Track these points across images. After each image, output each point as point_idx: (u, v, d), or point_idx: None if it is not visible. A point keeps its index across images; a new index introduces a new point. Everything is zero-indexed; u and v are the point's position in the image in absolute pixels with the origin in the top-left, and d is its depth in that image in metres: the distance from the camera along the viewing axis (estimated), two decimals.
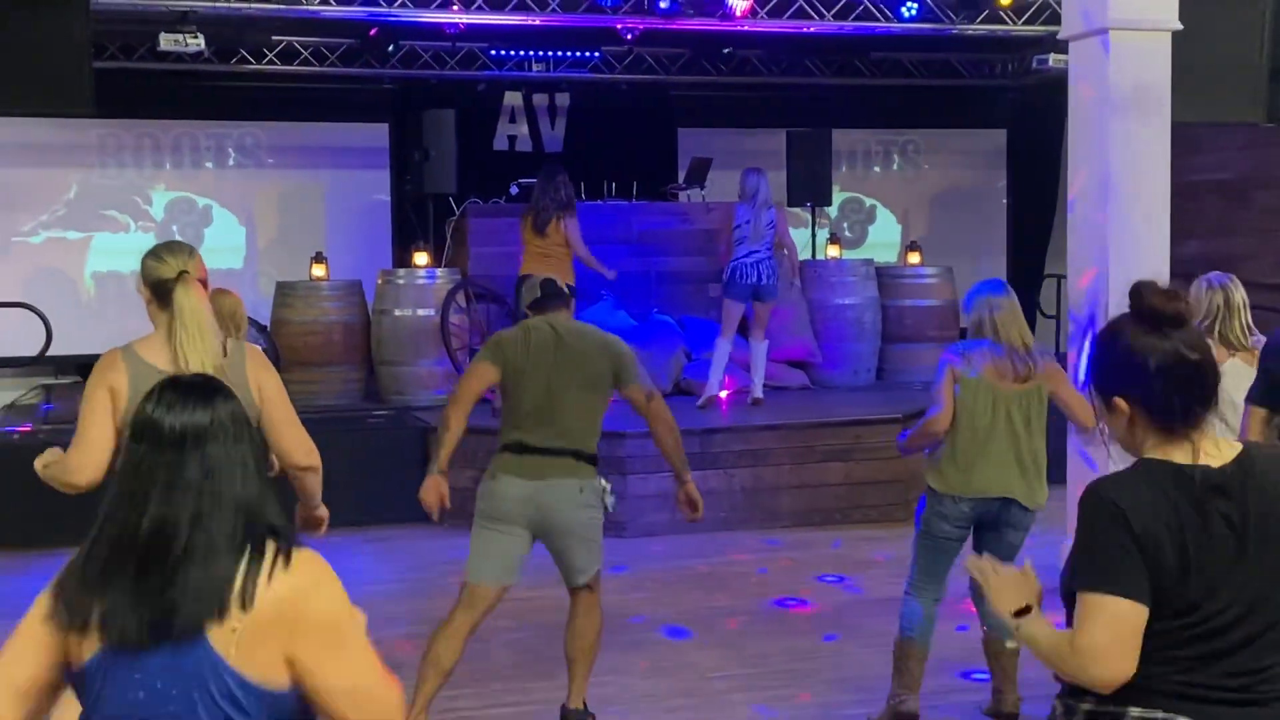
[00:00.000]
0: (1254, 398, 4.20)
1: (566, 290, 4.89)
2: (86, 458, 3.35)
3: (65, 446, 3.60)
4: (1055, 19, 8.60)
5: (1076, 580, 2.25)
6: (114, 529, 2.04)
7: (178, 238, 11.66)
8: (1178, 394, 2.27)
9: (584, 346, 4.63)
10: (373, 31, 10.34)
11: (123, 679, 2.00)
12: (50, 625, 2.05)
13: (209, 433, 2.05)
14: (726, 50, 11.48)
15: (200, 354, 3.37)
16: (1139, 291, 2.33)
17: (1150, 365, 2.26)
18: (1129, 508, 2.21)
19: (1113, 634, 2.19)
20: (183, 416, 2.04)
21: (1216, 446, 2.30)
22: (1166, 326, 2.28)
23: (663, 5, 9.56)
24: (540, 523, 4.57)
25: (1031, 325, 11.73)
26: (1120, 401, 2.30)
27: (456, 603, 4.60)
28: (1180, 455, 2.27)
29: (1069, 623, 2.29)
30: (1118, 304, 2.44)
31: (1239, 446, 2.32)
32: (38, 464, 3.59)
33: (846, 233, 12.50)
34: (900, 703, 4.66)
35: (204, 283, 3.54)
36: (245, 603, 1.97)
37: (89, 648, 2.01)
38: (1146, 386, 2.27)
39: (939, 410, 4.58)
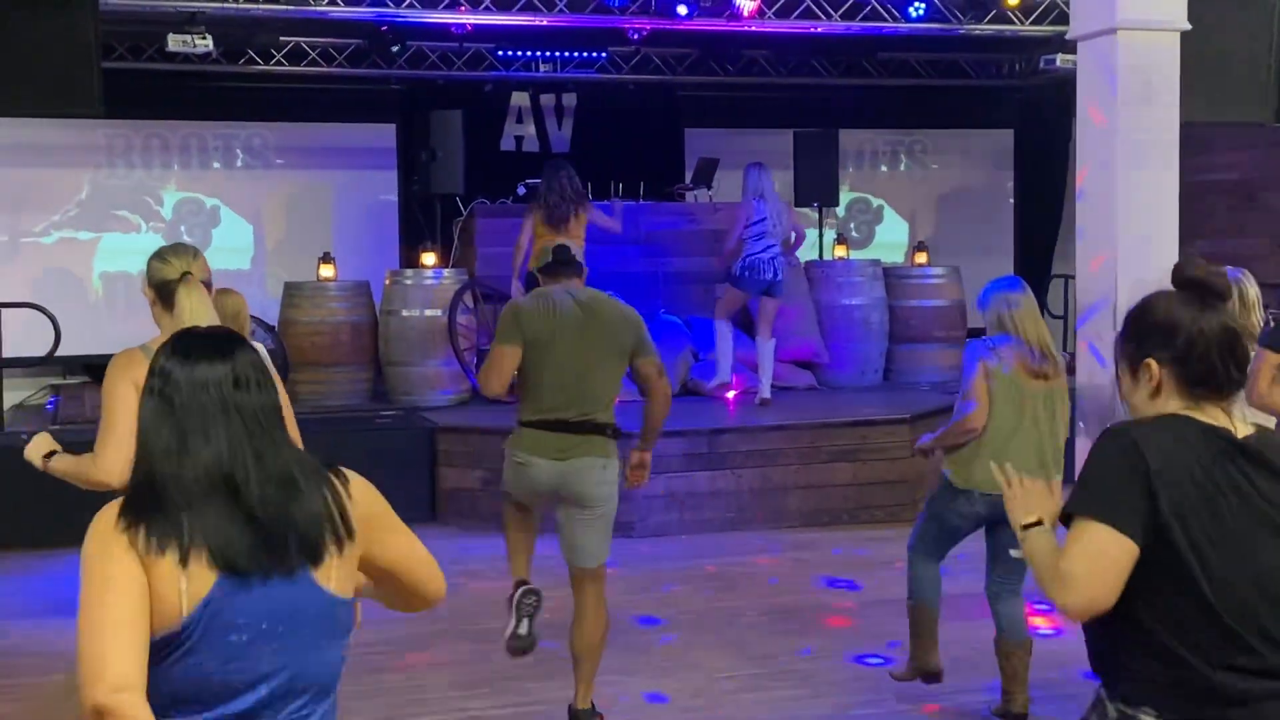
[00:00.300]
0: (1266, 341, 4.02)
1: (578, 258, 4.87)
2: (121, 456, 3.26)
3: (69, 445, 3.62)
4: (1063, 19, 8.60)
5: (1072, 503, 2.23)
6: (171, 469, 2.00)
7: (186, 239, 11.77)
8: (1220, 360, 2.26)
9: (610, 316, 4.64)
10: (385, 26, 10.33)
11: (224, 623, 1.96)
12: (137, 566, 1.93)
13: (234, 379, 2.06)
14: (742, 55, 11.47)
15: None
16: (1182, 266, 2.34)
17: (1194, 330, 2.25)
18: (1148, 448, 2.19)
19: (1094, 563, 2.17)
20: (200, 367, 2.05)
21: (1239, 420, 2.29)
22: (1210, 297, 2.29)
23: (681, 12, 9.51)
24: (563, 497, 4.62)
25: None
26: (1152, 363, 2.28)
27: (506, 509, 4.83)
28: (1205, 417, 2.26)
29: None
30: (1127, 305, 2.44)
31: (1253, 426, 2.32)
32: (32, 454, 3.55)
33: (853, 233, 12.49)
34: (924, 662, 4.74)
35: (207, 284, 3.57)
36: (350, 533, 2.08)
37: (192, 592, 1.94)
38: (1186, 351, 2.26)
39: (975, 407, 4.54)
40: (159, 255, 3.59)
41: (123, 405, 3.32)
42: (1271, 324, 3.85)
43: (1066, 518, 2.25)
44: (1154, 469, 2.16)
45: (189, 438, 2.02)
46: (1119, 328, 2.40)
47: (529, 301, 4.73)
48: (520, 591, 4.72)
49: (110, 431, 3.35)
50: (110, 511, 2.01)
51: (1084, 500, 2.21)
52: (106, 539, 1.97)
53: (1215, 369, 2.26)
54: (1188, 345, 2.26)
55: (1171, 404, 2.28)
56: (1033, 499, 2.37)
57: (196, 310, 3.43)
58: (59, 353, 9.42)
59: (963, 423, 4.59)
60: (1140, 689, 2.21)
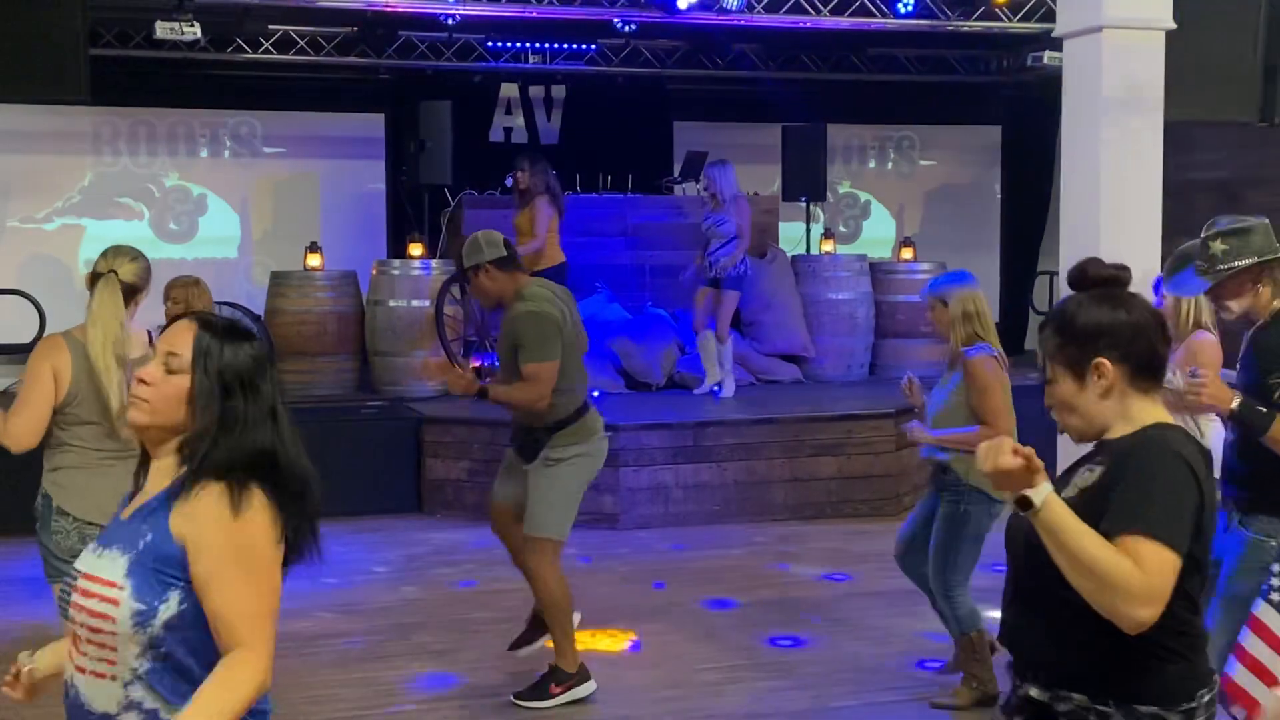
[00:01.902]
0: None
1: None
2: (30, 427, 3.77)
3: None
4: (1050, 16, 8.61)
5: (1152, 525, 2.19)
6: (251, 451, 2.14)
7: (172, 227, 11.70)
8: (1159, 345, 2.36)
9: (572, 300, 5.02)
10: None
11: None
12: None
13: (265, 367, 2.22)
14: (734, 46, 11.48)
15: (99, 339, 3.82)
16: (1086, 267, 2.40)
17: (1133, 323, 2.33)
18: (1198, 468, 2.27)
19: (1168, 586, 2.20)
20: (240, 352, 2.17)
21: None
22: (1122, 290, 2.38)
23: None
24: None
25: (1024, 323, 11.91)
26: (1105, 363, 2.32)
27: (552, 560, 4.82)
28: (1182, 425, 2.36)
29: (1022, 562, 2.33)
30: None
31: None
32: None
33: (841, 228, 12.53)
34: (990, 687, 4.73)
35: (133, 288, 3.97)
36: None
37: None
38: (1131, 344, 2.33)
39: (1001, 420, 4.57)
40: (104, 253, 4.02)
41: (39, 385, 3.78)
42: None
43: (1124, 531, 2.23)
44: (1205, 494, 2.27)
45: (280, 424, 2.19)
46: (1051, 336, 2.40)
47: (549, 307, 4.76)
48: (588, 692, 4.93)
49: (24, 406, 3.78)
50: (260, 495, 2.11)
51: (1165, 527, 2.20)
52: (267, 517, 2.11)
53: (1157, 354, 2.36)
54: (1133, 338, 2.34)
55: (1130, 399, 2.34)
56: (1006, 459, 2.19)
57: (101, 303, 3.86)
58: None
59: (992, 433, 4.50)
60: (1175, 687, 2.26)
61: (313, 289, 9.75)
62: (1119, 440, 2.33)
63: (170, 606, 2.04)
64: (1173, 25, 6.05)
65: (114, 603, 2.03)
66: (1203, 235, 3.76)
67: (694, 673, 5.27)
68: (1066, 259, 6.34)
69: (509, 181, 10.09)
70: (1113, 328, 2.33)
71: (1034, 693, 2.31)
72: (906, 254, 11.21)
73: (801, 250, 11.17)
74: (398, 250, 10.54)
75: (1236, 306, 3.80)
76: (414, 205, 10.72)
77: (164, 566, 2.05)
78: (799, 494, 8.14)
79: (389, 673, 5.27)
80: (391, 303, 9.50)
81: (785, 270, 10.48)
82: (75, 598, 2.10)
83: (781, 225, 11.23)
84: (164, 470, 2.17)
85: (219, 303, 9.20)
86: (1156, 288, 4.62)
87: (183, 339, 2.16)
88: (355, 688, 5.04)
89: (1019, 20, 10.14)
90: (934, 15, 10.11)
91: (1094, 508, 2.22)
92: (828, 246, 11.19)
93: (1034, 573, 2.28)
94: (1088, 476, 2.32)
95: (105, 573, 2.07)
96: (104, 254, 4.01)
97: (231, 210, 11.48)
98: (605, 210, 10.21)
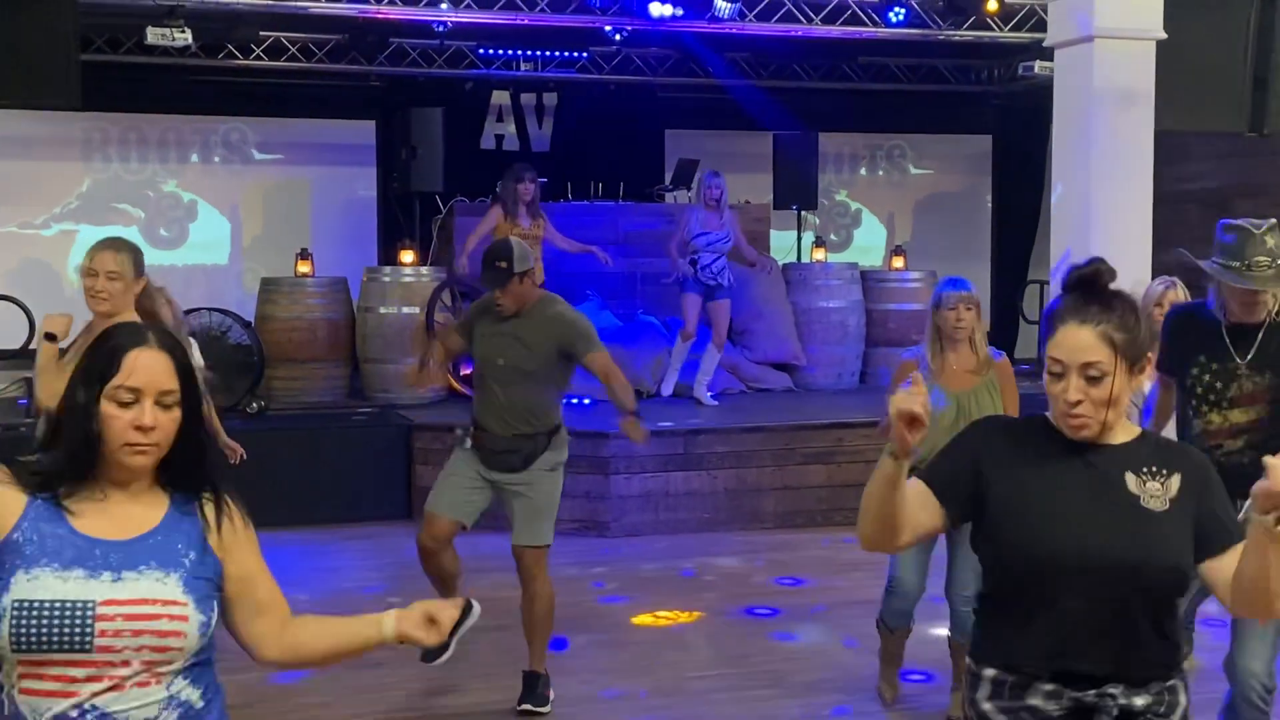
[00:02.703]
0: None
1: None
2: (55, 388, 4.02)
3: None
4: (1041, 26, 8.64)
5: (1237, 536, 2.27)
6: None
7: (163, 233, 11.68)
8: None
9: None
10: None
11: None
12: None
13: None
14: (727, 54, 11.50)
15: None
16: (1100, 270, 2.36)
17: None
18: None
19: None
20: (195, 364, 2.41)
21: None
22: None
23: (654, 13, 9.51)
24: None
25: (1014, 331, 11.94)
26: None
27: (547, 566, 4.86)
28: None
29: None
30: None
31: None
32: (46, 324, 4.36)
33: (832, 236, 12.55)
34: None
35: None
36: None
37: None
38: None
39: None
40: (138, 249, 4.31)
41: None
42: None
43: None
44: None
45: None
46: (1118, 330, 2.32)
47: None
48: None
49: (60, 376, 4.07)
50: None
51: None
52: None
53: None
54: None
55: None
56: None
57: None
58: (34, 346, 9.37)
59: None
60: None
61: (303, 295, 9.74)
62: (1142, 445, 2.38)
63: (215, 614, 2.20)
64: (1163, 35, 6.08)
65: (184, 619, 2.12)
66: (1254, 230, 3.77)
67: (684, 681, 5.26)
68: (1056, 268, 6.37)
69: (520, 189, 9.54)
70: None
71: (1140, 701, 2.33)
72: (897, 262, 11.23)
73: (793, 259, 11.18)
74: (388, 257, 10.53)
75: (1273, 301, 3.81)
76: (405, 212, 10.72)
77: (211, 579, 2.19)
78: (789, 502, 8.14)
79: (380, 681, 5.25)
80: (382, 309, 9.50)
81: (776, 279, 10.49)
82: (115, 625, 2.06)
83: (773, 234, 11.25)
84: (142, 491, 2.19)
85: (210, 309, 9.23)
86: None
87: (165, 373, 2.15)
88: (345, 695, 5.03)
89: (1010, 30, 10.17)
90: (925, 24, 10.13)
91: (1192, 519, 2.31)
92: (819, 255, 11.21)
93: (1131, 582, 2.30)
94: (1159, 487, 2.32)
95: (159, 594, 2.11)
96: (124, 248, 4.35)
97: (222, 216, 11.46)
98: (596, 218, 10.21)
